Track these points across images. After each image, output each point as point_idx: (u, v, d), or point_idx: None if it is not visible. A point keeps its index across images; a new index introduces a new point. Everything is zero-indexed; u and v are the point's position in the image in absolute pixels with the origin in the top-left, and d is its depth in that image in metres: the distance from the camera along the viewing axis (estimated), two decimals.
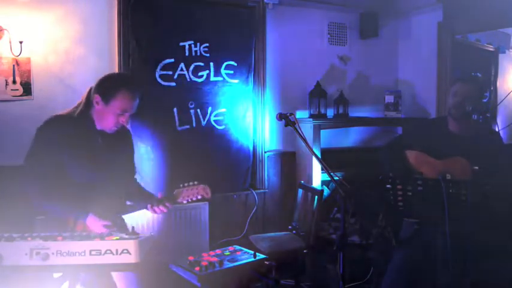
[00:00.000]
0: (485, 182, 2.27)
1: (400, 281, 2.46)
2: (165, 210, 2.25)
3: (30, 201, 2.09)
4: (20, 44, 2.91)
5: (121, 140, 2.31)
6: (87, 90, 2.20)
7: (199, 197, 2.30)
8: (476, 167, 2.27)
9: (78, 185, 2.10)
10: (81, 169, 2.10)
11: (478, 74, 4.24)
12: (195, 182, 2.32)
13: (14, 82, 2.96)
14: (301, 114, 3.95)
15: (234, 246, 3.15)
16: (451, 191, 2.27)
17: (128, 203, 2.37)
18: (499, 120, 4.40)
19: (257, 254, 2.92)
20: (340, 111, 4.01)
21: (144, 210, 2.28)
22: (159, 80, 3.41)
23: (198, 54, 3.56)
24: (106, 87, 2.13)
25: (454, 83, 2.54)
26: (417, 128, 2.93)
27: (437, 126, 2.59)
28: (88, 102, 2.16)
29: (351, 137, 4.34)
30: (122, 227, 2.23)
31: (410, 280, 2.44)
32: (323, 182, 3.83)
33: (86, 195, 2.08)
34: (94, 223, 2.06)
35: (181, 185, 2.30)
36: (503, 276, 2.30)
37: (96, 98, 2.11)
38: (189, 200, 2.30)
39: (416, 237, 2.46)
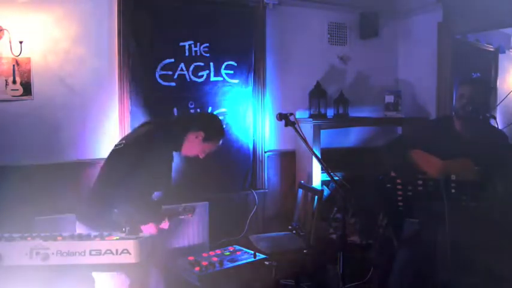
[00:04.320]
0: (488, 182, 2.27)
1: (406, 281, 2.47)
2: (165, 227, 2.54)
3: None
4: (20, 44, 2.91)
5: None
6: (186, 118, 2.72)
7: (189, 216, 2.77)
8: (480, 167, 2.27)
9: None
10: (157, 180, 2.41)
11: (477, 74, 4.25)
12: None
13: (14, 82, 2.96)
14: (301, 114, 3.95)
15: (234, 246, 3.16)
16: (453, 191, 2.27)
17: None
18: (499, 120, 4.39)
19: (257, 254, 2.92)
20: (340, 111, 4.01)
21: None
22: (159, 80, 3.41)
23: (198, 54, 3.56)
24: (214, 131, 2.50)
25: (461, 84, 2.53)
26: (421, 127, 2.93)
27: (442, 126, 2.59)
28: (184, 129, 2.46)
29: (351, 137, 4.34)
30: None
31: (415, 280, 2.44)
32: (323, 182, 3.82)
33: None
34: (151, 228, 2.30)
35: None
36: (503, 276, 2.30)
37: (200, 134, 2.44)
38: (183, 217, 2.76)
39: (417, 237, 2.46)
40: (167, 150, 2.44)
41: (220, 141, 2.55)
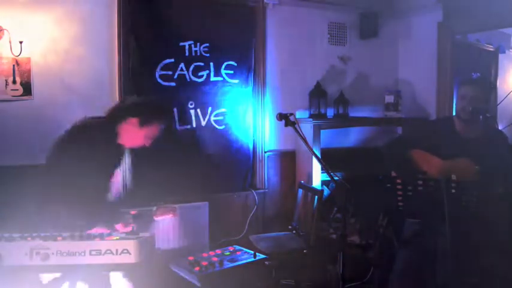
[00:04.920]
0: (488, 182, 2.27)
1: (406, 281, 2.47)
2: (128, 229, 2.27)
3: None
4: (20, 44, 2.91)
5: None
6: (116, 106, 2.35)
7: (169, 216, 2.59)
8: (480, 167, 2.27)
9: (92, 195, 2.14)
10: (99, 179, 2.17)
11: (477, 74, 4.24)
12: (167, 203, 2.59)
13: (14, 82, 2.96)
14: (301, 114, 3.95)
15: (234, 246, 3.15)
16: (453, 191, 2.27)
17: None
18: (499, 120, 4.39)
19: (257, 254, 2.92)
20: (340, 111, 4.01)
21: None
22: (159, 80, 3.41)
23: (198, 54, 3.56)
24: (147, 113, 2.30)
25: (462, 84, 2.53)
26: (422, 127, 2.93)
27: (443, 126, 2.59)
28: (114, 117, 2.28)
29: (351, 137, 4.34)
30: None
31: (416, 280, 2.44)
32: (323, 182, 3.82)
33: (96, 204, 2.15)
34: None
35: (157, 204, 2.51)
36: (503, 276, 2.30)
37: (132, 120, 2.25)
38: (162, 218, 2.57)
39: (418, 237, 2.46)
40: (104, 146, 2.19)
41: (161, 123, 2.36)
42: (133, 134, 2.30)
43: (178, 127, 3.51)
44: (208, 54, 3.59)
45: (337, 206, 3.84)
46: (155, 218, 2.50)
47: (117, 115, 2.30)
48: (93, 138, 2.14)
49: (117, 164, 2.34)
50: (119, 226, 2.30)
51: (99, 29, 3.22)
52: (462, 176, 2.28)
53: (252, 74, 3.80)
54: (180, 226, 3.47)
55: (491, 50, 4.73)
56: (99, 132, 2.20)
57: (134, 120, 2.27)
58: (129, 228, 2.26)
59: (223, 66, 3.66)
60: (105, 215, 2.24)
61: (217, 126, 3.67)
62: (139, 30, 3.30)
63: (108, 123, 2.27)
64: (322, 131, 3.80)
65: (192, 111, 3.56)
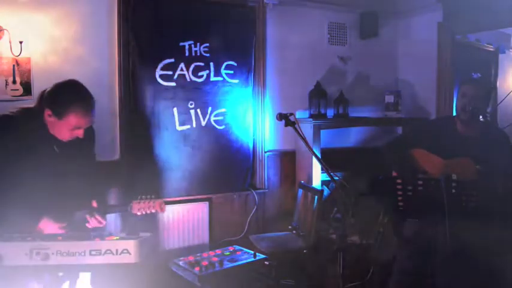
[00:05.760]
0: (489, 182, 2.27)
1: (406, 281, 2.47)
2: (98, 224, 2.15)
3: None
4: (20, 44, 2.91)
5: (78, 147, 2.17)
6: (40, 94, 2.10)
7: (153, 211, 2.25)
8: (480, 167, 2.27)
9: (31, 189, 1.98)
10: (35, 175, 1.98)
11: (477, 74, 4.24)
12: (153, 196, 2.27)
13: (14, 82, 2.96)
14: (301, 114, 3.95)
15: (234, 246, 3.16)
16: (453, 191, 2.27)
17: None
18: (499, 120, 4.40)
19: (257, 254, 2.93)
20: (340, 111, 4.01)
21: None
22: (159, 80, 3.41)
23: (198, 54, 3.56)
24: (57, 102, 2.01)
25: (462, 84, 2.53)
26: (423, 127, 2.93)
27: (444, 126, 2.58)
28: (41, 108, 2.05)
29: (351, 137, 4.34)
30: (80, 225, 2.16)
31: (416, 280, 2.44)
32: (323, 182, 3.82)
33: (39, 199, 1.99)
34: (48, 226, 2.03)
35: (138, 197, 2.24)
36: (503, 276, 2.30)
37: (47, 112, 2.01)
38: (143, 213, 2.24)
39: (418, 237, 2.46)
40: (32, 135, 2.02)
41: (81, 109, 2.03)
42: (56, 126, 2.05)
43: (178, 127, 3.51)
44: (208, 54, 3.59)
45: (337, 206, 3.84)
46: (134, 213, 2.24)
47: (35, 108, 2.08)
48: (21, 128, 1.98)
49: (55, 154, 2.11)
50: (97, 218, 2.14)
51: (99, 29, 3.22)
52: (462, 176, 2.28)
53: (252, 74, 3.80)
54: (180, 226, 3.47)
55: (491, 50, 4.73)
56: (26, 122, 2.02)
57: (49, 112, 2.02)
58: (102, 223, 2.14)
59: (223, 66, 3.66)
60: (52, 206, 2.06)
61: (217, 126, 3.67)
62: (139, 30, 3.30)
63: (37, 112, 2.06)
64: (322, 131, 3.80)
65: (192, 111, 3.56)
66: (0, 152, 1.96)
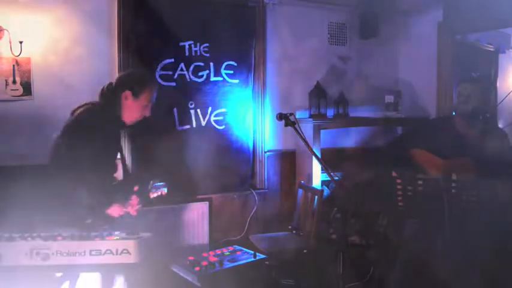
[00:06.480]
0: (489, 182, 2.27)
1: (406, 281, 2.47)
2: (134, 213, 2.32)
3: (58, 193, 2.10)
4: (20, 44, 2.91)
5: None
6: (106, 85, 2.34)
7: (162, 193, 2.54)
8: (480, 167, 2.27)
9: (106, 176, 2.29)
10: (109, 159, 2.31)
11: (477, 73, 4.24)
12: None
13: (14, 82, 2.96)
14: (301, 114, 3.95)
15: (234, 246, 3.16)
16: (453, 190, 2.27)
17: None
18: (499, 120, 4.40)
19: (257, 254, 2.92)
20: (340, 111, 4.01)
21: None
22: (159, 80, 3.41)
23: (198, 54, 3.56)
24: (136, 81, 2.33)
25: (461, 83, 2.53)
26: (423, 127, 2.93)
27: (443, 125, 2.59)
28: (113, 96, 2.30)
29: (351, 137, 4.34)
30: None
31: (415, 280, 2.44)
32: (323, 182, 3.82)
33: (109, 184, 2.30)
34: (115, 210, 2.21)
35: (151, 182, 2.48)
36: (503, 276, 2.30)
37: (126, 93, 2.29)
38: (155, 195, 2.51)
39: (418, 237, 2.46)
40: (108, 124, 2.26)
41: (153, 91, 2.37)
42: (132, 108, 2.32)
43: (178, 127, 3.51)
44: (208, 54, 3.59)
45: (337, 206, 3.84)
46: (151, 196, 2.49)
47: (110, 95, 2.31)
48: (97, 122, 2.19)
49: (118, 145, 2.43)
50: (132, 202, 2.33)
51: (99, 29, 3.22)
52: (462, 176, 2.28)
53: (252, 74, 3.80)
54: (180, 226, 3.47)
55: (491, 50, 4.73)
56: (101, 115, 2.24)
57: (128, 93, 2.29)
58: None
59: (223, 66, 3.66)
60: (118, 192, 2.30)
61: (217, 126, 3.67)
62: (139, 30, 3.30)
63: (105, 105, 2.30)
64: (322, 131, 3.80)
65: (192, 111, 3.56)
66: (81, 143, 2.09)
